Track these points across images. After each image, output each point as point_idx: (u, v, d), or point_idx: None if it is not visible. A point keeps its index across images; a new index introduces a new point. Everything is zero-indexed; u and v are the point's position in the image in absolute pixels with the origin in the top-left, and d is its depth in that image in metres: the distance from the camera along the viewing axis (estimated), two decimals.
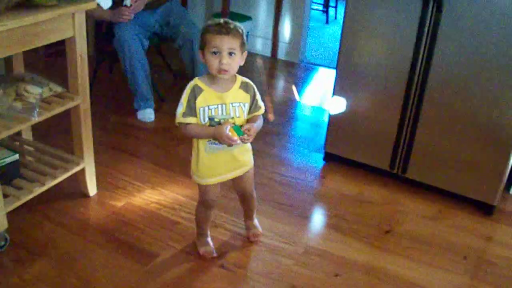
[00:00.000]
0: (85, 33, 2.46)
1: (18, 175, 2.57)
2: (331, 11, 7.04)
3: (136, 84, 3.70)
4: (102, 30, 3.95)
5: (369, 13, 2.84)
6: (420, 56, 2.76)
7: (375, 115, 3.02)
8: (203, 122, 2.12)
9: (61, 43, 2.46)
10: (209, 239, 2.53)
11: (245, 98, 2.17)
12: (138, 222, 2.69)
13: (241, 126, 2.12)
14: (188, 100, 2.10)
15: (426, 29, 2.70)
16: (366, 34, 2.89)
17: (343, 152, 3.24)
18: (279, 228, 2.71)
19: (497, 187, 2.81)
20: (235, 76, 2.18)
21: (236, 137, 2.07)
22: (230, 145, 2.14)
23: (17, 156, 2.55)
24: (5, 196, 2.38)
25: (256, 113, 2.22)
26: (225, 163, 2.26)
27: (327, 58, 5.35)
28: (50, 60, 4.63)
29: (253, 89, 2.20)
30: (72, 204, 2.79)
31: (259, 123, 2.21)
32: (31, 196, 2.48)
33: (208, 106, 2.11)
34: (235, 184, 2.43)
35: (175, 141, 3.49)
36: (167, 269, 2.40)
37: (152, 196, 2.90)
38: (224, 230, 2.66)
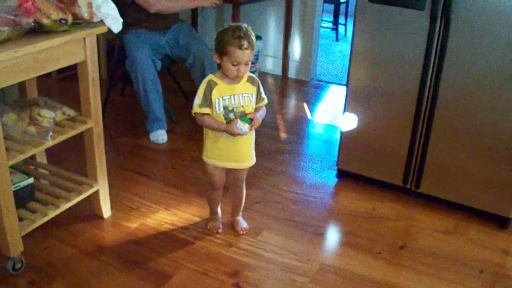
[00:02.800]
0: (96, 57, 2.49)
1: (33, 199, 2.59)
2: (341, 29, 7.07)
3: (149, 105, 3.73)
4: (114, 53, 3.99)
5: (377, 31, 2.85)
6: (430, 72, 2.77)
7: (387, 131, 3.02)
8: (218, 112, 2.39)
9: (73, 67, 2.49)
10: (218, 217, 2.83)
11: (252, 89, 2.45)
12: (152, 243, 2.70)
13: (246, 114, 2.41)
14: (204, 93, 2.38)
15: (434, 45, 2.71)
16: (374, 52, 2.90)
17: (355, 168, 3.23)
18: (293, 246, 2.70)
19: None
20: None
21: (247, 125, 2.37)
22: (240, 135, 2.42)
23: (31, 180, 2.57)
24: (20, 219, 2.40)
25: (260, 104, 2.50)
26: (236, 152, 2.53)
27: (338, 75, 5.36)
28: (63, 84, 4.68)
29: (258, 82, 2.49)
30: (87, 226, 2.80)
31: (261, 112, 2.50)
32: (46, 219, 2.49)
33: (222, 97, 2.39)
34: (233, 173, 2.65)
35: (187, 161, 3.51)
36: None
37: (166, 217, 2.91)
38: (237, 249, 2.66)
